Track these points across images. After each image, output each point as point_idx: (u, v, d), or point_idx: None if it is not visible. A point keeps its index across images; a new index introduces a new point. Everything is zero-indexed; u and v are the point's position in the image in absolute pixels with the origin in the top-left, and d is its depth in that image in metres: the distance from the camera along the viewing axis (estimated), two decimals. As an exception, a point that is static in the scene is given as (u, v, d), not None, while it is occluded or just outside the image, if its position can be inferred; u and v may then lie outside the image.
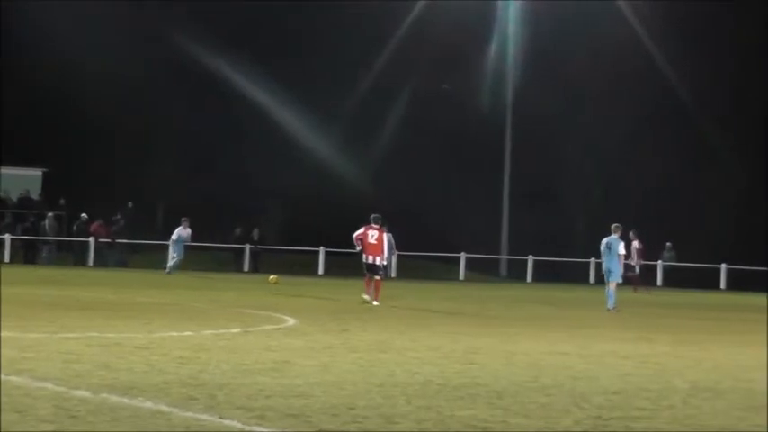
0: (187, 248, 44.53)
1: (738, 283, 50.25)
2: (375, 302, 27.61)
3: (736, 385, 13.86)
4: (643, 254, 44.01)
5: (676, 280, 50.70)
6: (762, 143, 59.20)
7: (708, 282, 50.54)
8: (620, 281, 29.89)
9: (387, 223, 47.62)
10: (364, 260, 28.30)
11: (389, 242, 48.45)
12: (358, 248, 28.45)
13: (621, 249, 29.84)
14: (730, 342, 20.65)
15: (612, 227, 29.89)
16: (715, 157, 60.75)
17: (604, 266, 29.61)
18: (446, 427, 10.12)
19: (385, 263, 28.92)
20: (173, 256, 43.69)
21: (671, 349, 18.44)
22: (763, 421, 11.11)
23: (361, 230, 28.38)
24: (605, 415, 11.06)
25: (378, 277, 28.16)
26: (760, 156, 59.15)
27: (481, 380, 13.30)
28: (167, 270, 42.80)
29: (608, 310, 28.63)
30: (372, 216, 28.47)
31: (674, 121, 60.28)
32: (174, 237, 43.79)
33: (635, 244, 42.74)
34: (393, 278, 48.10)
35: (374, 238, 28.17)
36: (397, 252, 48.57)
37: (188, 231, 43.98)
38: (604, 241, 29.69)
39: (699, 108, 60.16)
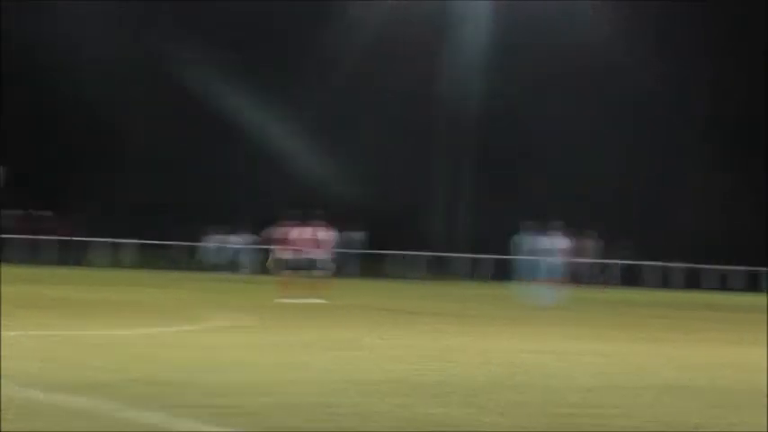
0: None
1: (697, 281, 50.80)
2: (317, 300, 27.39)
3: (711, 383, 13.87)
4: (596, 252, 44.88)
5: (635, 279, 51.20)
6: (739, 145, 59.52)
7: (670, 281, 51.00)
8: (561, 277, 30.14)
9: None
10: (295, 256, 28.29)
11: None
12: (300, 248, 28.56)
13: (561, 244, 30.13)
14: (704, 340, 20.72)
15: (549, 225, 30.15)
16: (688, 156, 61.07)
17: (544, 264, 29.67)
18: (420, 426, 10.05)
19: (325, 257, 28.80)
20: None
21: (645, 347, 18.47)
22: (737, 419, 11.12)
23: (299, 229, 28.39)
24: (579, 412, 11.03)
25: (318, 273, 28.15)
26: (732, 156, 59.49)
27: (456, 378, 13.25)
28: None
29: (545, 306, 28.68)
30: (315, 212, 28.52)
31: (646, 118, 60.48)
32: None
33: (587, 243, 43.96)
34: (369, 276, 48.10)
35: (310, 234, 28.23)
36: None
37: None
38: (542, 240, 29.86)
39: (675, 108, 60.47)
